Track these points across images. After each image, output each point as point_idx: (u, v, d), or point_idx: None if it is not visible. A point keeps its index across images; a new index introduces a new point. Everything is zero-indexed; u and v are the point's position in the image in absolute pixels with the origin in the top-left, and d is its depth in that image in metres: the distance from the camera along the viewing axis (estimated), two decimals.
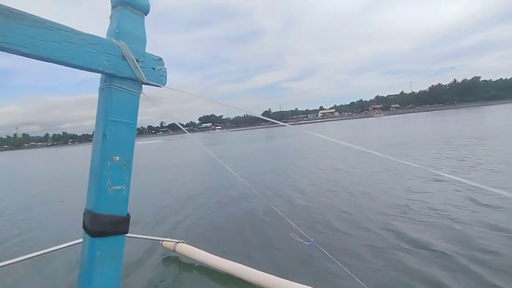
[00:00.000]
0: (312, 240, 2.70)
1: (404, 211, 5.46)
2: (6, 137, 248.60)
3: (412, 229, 4.62)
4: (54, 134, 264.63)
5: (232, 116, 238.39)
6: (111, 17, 1.09)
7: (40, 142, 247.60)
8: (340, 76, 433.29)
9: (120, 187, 1.06)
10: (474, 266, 3.43)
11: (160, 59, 1.16)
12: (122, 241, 1.10)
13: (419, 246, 4.05)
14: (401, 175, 8.39)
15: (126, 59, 1.03)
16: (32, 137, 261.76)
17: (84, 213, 1.06)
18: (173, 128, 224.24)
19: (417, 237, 4.32)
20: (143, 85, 1.11)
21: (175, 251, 4.22)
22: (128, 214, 1.10)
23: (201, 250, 4.01)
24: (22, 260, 2.69)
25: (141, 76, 1.07)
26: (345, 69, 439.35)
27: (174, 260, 4.22)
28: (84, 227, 1.05)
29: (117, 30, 1.04)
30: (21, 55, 0.85)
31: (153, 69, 1.13)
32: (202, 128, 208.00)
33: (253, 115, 1.94)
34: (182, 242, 4.26)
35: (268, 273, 3.20)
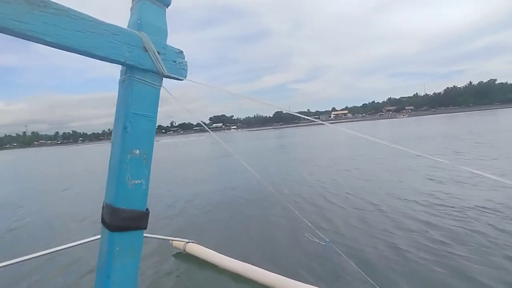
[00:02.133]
0: (328, 240, 2.65)
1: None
2: (15, 134, 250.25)
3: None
4: (64, 133, 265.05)
5: (242, 117, 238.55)
6: (132, 8, 1.07)
7: (49, 140, 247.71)
8: (347, 78, 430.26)
9: (140, 181, 1.04)
10: None
11: (181, 52, 1.13)
12: (140, 237, 1.08)
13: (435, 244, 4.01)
14: None
15: (147, 51, 1.01)
16: (42, 135, 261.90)
17: (102, 208, 1.05)
18: (184, 128, 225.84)
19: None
20: (163, 78, 1.09)
21: (185, 251, 4.24)
22: (147, 209, 1.07)
23: (211, 250, 4.02)
24: (39, 256, 2.70)
25: (162, 68, 1.05)
26: (352, 70, 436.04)
27: (184, 259, 4.21)
28: (103, 221, 1.03)
29: (139, 22, 1.02)
30: (44, 44, 0.82)
31: (174, 62, 1.10)
32: (213, 128, 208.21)
33: (291, 112, 2.04)
34: (192, 242, 4.27)
35: (278, 273, 3.23)
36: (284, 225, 5.40)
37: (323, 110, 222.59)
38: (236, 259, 3.72)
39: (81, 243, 3.04)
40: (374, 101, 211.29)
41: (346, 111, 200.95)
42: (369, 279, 2.58)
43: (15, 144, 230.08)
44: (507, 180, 1.48)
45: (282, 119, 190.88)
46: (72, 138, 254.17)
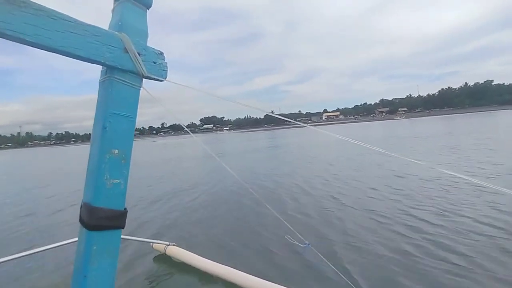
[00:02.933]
0: (307, 242, 2.52)
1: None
2: (10, 135, 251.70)
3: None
4: (57, 133, 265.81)
5: (232, 118, 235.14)
6: (113, 10, 1.08)
7: (43, 141, 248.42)
8: (340, 80, 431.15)
9: (118, 181, 1.04)
10: None
11: (161, 53, 1.14)
12: (118, 236, 1.08)
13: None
14: None
15: (128, 52, 1.02)
16: (36, 135, 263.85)
17: (81, 207, 1.04)
18: (175, 129, 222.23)
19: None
20: (144, 79, 1.10)
21: (165, 254, 4.15)
22: (125, 209, 1.08)
23: (191, 253, 3.97)
24: (14, 259, 2.61)
25: (142, 69, 1.05)
26: (346, 73, 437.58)
27: (164, 262, 4.14)
28: (81, 220, 1.03)
29: (120, 23, 1.03)
30: (24, 44, 0.83)
31: (154, 63, 1.11)
32: (203, 129, 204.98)
33: (272, 115, 1.90)
34: (173, 245, 4.22)
35: (259, 276, 3.19)
36: (264, 227, 5.35)
37: (315, 112, 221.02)
38: (217, 262, 3.65)
39: (58, 245, 2.95)
40: (366, 103, 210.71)
41: (338, 113, 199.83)
42: (348, 282, 2.60)
43: (9, 144, 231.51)
44: None
45: (273, 120, 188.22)
46: (65, 138, 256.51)
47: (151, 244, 4.36)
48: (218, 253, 4.20)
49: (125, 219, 1.08)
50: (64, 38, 0.87)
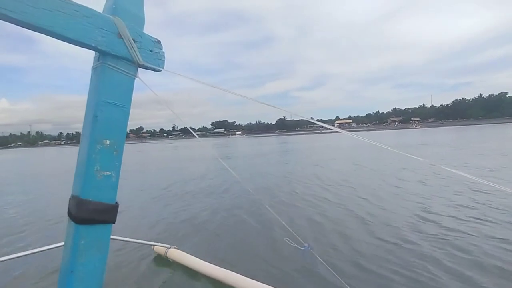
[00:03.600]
0: (307, 245, 2.58)
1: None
2: (20, 134, 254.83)
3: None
4: (68, 133, 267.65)
5: (244, 123, 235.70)
6: None
7: (53, 140, 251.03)
8: (351, 86, 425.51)
9: (110, 173, 1.00)
10: None
11: (159, 41, 1.09)
12: (108, 231, 1.04)
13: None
14: None
15: (122, 37, 0.96)
16: (46, 135, 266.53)
17: (69, 199, 1.01)
18: (186, 132, 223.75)
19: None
20: (139, 69, 1.06)
21: (166, 256, 4.18)
22: (116, 203, 1.04)
23: (192, 256, 4.00)
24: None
25: (138, 56, 1.01)
26: (357, 79, 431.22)
27: (165, 265, 4.15)
28: (69, 213, 0.99)
29: (114, 6, 0.97)
30: (8, 21, 0.77)
31: (151, 51, 1.06)
32: (214, 133, 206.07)
33: (303, 117, 1.99)
34: (174, 248, 4.22)
35: (259, 280, 3.21)
36: (264, 229, 5.41)
37: (327, 119, 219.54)
38: (217, 265, 3.69)
39: (47, 249, 2.89)
40: (378, 111, 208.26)
41: (350, 120, 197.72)
42: (347, 286, 2.58)
43: (19, 143, 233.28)
44: None
45: (284, 126, 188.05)
46: (76, 138, 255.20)
47: (152, 246, 4.35)
48: (217, 256, 4.25)
49: (116, 214, 1.03)
50: (51, 17, 0.81)
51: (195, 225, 5.99)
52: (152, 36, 1.07)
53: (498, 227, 4.89)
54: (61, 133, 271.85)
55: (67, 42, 0.88)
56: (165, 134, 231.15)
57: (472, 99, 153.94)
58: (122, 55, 0.98)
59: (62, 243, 1.89)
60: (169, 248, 4.20)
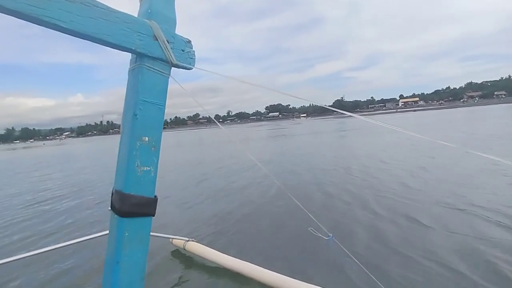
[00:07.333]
0: (331, 235, 2.54)
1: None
2: (94, 123, 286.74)
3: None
4: None
5: (297, 106, 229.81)
6: None
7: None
8: (409, 64, 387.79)
9: (149, 168, 1.04)
10: None
11: (189, 41, 1.14)
12: (149, 223, 1.08)
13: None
14: None
15: (157, 39, 1.01)
16: (116, 124, 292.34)
17: (112, 194, 1.06)
18: (240, 117, 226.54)
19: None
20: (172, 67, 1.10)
21: (185, 249, 4.13)
22: (155, 196, 1.08)
23: (211, 249, 3.93)
24: (52, 250, 2.76)
25: (171, 57, 1.05)
26: (415, 56, 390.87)
27: (183, 257, 4.11)
28: (112, 207, 1.04)
29: (149, 10, 1.03)
30: (59, 30, 0.83)
31: (183, 51, 1.11)
32: (269, 117, 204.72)
33: (324, 106, 2.03)
34: (192, 241, 4.18)
35: (279, 273, 3.10)
36: (287, 218, 5.18)
37: (389, 98, 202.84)
38: (236, 257, 3.58)
39: (91, 238, 3.05)
40: (449, 87, 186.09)
41: (417, 98, 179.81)
42: (372, 276, 2.51)
43: (95, 132, 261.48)
44: None
45: (342, 107, 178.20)
46: None
47: (170, 239, 4.30)
48: (237, 246, 4.23)
49: (155, 207, 1.06)
50: (96, 25, 0.86)
51: (213, 214, 5.89)
52: (184, 36, 1.11)
53: None
54: None
55: (109, 46, 0.93)
56: (220, 120, 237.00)
57: None
58: (157, 56, 1.02)
59: (104, 233, 2.59)
60: (188, 241, 4.14)
